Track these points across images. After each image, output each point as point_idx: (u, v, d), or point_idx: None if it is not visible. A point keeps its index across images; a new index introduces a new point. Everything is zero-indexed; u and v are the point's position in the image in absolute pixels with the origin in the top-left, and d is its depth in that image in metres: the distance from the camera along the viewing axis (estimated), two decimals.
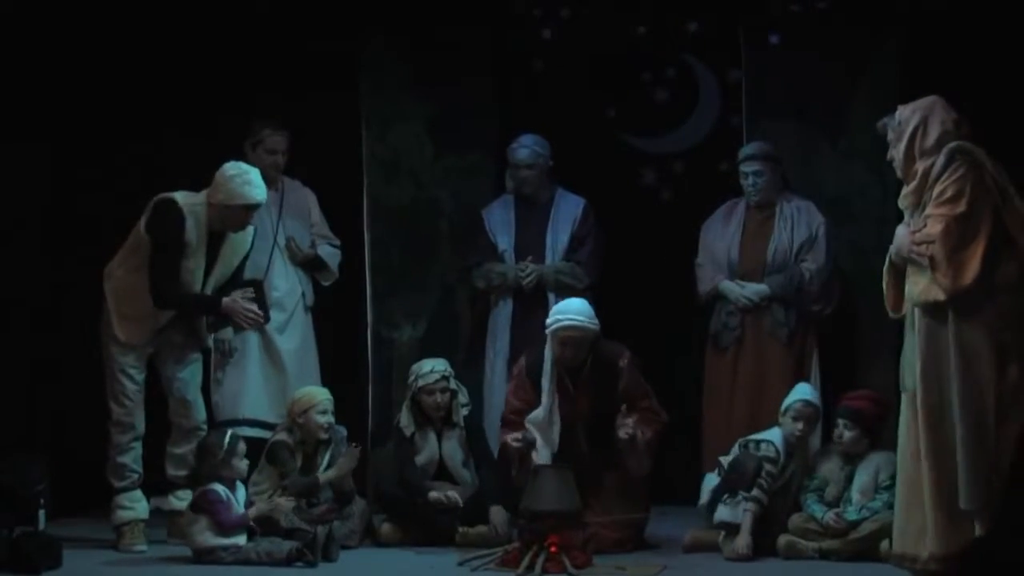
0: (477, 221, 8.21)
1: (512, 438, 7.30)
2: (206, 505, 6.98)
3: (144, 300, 7.25)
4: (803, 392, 7.37)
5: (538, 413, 7.35)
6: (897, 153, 6.12)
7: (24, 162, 8.05)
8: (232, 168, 7.29)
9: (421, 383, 7.59)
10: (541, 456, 7.26)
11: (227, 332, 7.80)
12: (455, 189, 8.49)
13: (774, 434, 7.29)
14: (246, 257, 7.52)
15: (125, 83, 8.23)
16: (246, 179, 7.27)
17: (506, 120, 8.48)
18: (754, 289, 7.79)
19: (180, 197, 7.27)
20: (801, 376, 7.70)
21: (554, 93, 8.67)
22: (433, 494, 7.37)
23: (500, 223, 8.17)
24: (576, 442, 7.38)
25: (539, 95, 8.69)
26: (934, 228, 5.89)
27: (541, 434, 7.32)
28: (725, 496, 7.21)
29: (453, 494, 7.36)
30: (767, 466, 7.17)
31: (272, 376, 7.96)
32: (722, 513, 7.19)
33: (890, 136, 6.14)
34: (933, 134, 6.02)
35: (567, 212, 8.15)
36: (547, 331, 7.37)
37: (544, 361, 7.41)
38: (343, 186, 8.44)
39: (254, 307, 7.40)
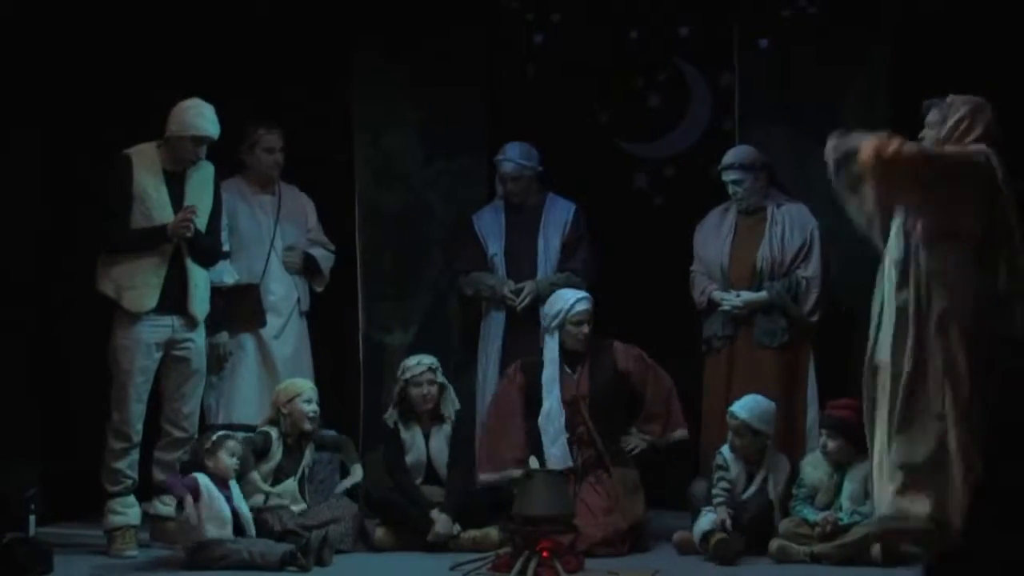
0: (467, 227, 8.21)
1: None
2: (173, 483, 6.97)
3: (129, 260, 7.24)
4: (735, 405, 7.38)
5: (544, 409, 7.48)
6: (932, 133, 6.04)
7: (18, 167, 8.06)
8: (187, 101, 7.31)
9: (408, 375, 7.60)
10: (551, 456, 7.36)
11: (223, 336, 7.79)
12: (447, 193, 8.49)
13: (726, 446, 7.39)
14: (218, 193, 7.51)
15: (122, 85, 8.23)
16: (200, 111, 7.30)
17: (498, 124, 8.49)
18: (749, 297, 7.76)
19: (133, 148, 7.32)
20: (795, 381, 7.70)
21: (546, 98, 8.67)
22: (435, 528, 7.39)
23: (490, 228, 8.15)
24: (581, 421, 7.48)
25: (531, 99, 8.69)
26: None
27: (547, 434, 7.44)
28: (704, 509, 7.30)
29: (443, 529, 7.38)
30: (718, 473, 7.30)
31: (267, 382, 7.90)
32: (702, 524, 7.21)
33: (931, 118, 6.06)
34: (975, 131, 5.97)
35: (557, 217, 8.12)
36: None
37: (543, 358, 7.57)
38: (335, 191, 8.44)
39: (190, 215, 7.26)
